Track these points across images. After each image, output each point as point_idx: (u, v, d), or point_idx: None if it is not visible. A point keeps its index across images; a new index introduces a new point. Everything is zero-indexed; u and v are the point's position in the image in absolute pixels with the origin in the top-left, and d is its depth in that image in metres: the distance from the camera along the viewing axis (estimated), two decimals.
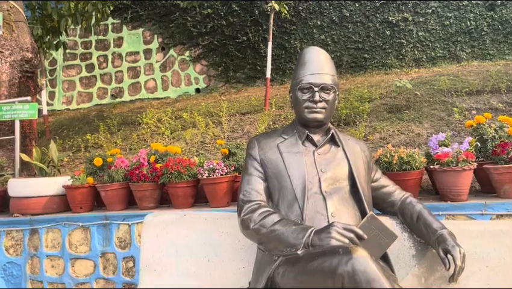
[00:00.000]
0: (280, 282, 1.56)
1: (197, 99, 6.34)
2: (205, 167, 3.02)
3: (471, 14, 5.55)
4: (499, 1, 5.42)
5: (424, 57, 5.73)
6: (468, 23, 5.55)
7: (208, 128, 4.84)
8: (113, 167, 3.26)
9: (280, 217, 1.65)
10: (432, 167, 2.65)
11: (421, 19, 5.74)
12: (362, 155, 1.91)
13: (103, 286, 3.12)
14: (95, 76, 7.47)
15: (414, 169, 2.64)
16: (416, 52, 5.76)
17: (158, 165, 3.19)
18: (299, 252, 1.53)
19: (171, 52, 7.09)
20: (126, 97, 7.23)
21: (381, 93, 4.91)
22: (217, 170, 2.98)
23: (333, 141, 1.87)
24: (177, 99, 6.72)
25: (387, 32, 5.84)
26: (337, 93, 1.87)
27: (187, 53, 6.98)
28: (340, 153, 1.85)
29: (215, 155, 4.23)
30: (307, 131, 1.85)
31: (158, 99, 7.01)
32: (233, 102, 5.62)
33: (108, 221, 3.13)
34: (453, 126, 3.98)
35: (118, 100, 7.25)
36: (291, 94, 1.94)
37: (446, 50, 5.67)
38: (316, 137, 1.86)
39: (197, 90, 6.94)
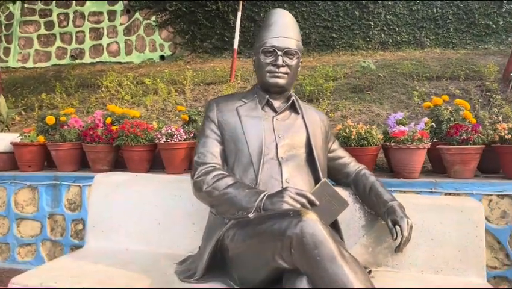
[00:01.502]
0: (229, 245, 1.54)
1: (161, 66, 6.16)
2: (163, 131, 2.94)
3: (438, 2, 5.64)
4: None
5: (390, 41, 5.80)
6: (435, 10, 5.64)
7: (171, 96, 4.72)
8: (66, 127, 3.13)
9: (234, 180, 1.63)
10: (388, 144, 2.69)
11: (390, 3, 5.78)
12: (321, 124, 1.90)
13: (50, 248, 3.03)
14: (54, 35, 7.10)
15: (371, 145, 2.67)
16: (383, 35, 5.81)
17: (113, 128, 3.09)
18: (250, 215, 1.51)
19: (137, 15, 6.83)
20: (87, 59, 6.94)
21: (346, 72, 4.94)
22: (175, 136, 2.92)
23: (293, 108, 1.85)
24: (141, 65, 6.51)
25: (356, 13, 5.85)
26: (300, 59, 1.84)
27: (153, 18, 6.75)
28: (299, 121, 1.84)
29: (176, 122, 4.14)
30: (267, 96, 1.82)
31: (120, 63, 6.76)
32: (198, 72, 5.50)
33: (58, 182, 3.02)
34: (412, 108, 4.07)
35: (78, 61, 6.94)
36: (254, 58, 1.89)
37: (411, 36, 5.75)
38: (276, 103, 1.83)
39: (162, 57, 6.75)
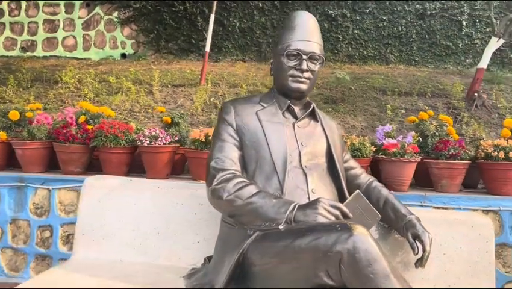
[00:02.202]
0: (256, 260, 1.42)
1: (123, 65, 5.87)
2: (147, 133, 2.76)
3: (403, 20, 5.84)
4: (429, 12, 5.76)
5: (357, 54, 5.92)
6: (400, 28, 5.84)
7: (138, 96, 4.49)
8: (34, 123, 2.85)
9: (258, 189, 1.52)
10: (380, 156, 2.69)
11: (358, 17, 5.91)
12: (337, 132, 1.84)
13: (11, 257, 2.73)
14: (3, 24, 6.56)
15: (364, 156, 2.66)
16: (350, 49, 5.93)
17: (89, 127, 2.85)
18: (281, 227, 1.41)
19: (98, 9, 6.48)
20: (39, 52, 6.47)
21: (318, 83, 4.96)
22: (159, 138, 2.74)
23: (312, 115, 1.78)
24: (100, 62, 6.16)
25: (325, 25, 5.92)
26: (323, 65, 1.77)
27: (115, 13, 6.43)
28: (318, 129, 1.76)
29: (146, 125, 3.93)
30: (289, 101, 1.73)
31: (77, 58, 6.37)
32: (165, 73, 5.29)
33: (24, 184, 2.73)
34: (385, 121, 4.14)
35: (29, 54, 6.45)
36: (272, 60, 1.80)
37: (377, 51, 5.91)
38: (296, 109, 1.74)
39: (123, 55, 6.44)
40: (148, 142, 2.72)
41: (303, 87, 1.70)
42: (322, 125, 1.78)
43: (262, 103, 1.74)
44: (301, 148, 1.65)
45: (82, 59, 6.35)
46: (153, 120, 4.06)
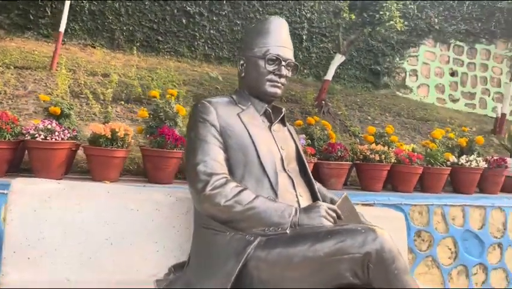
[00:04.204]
0: (263, 265, 1.40)
1: None
2: (41, 126, 2.33)
3: None
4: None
5: (213, 54, 6.05)
6: None
7: None
8: None
9: (254, 194, 1.50)
10: None
11: (214, 18, 6.03)
12: (297, 136, 1.93)
13: None
14: None
15: None
16: (206, 48, 6.01)
17: None
18: (288, 231, 1.43)
19: None
20: None
21: (184, 79, 4.90)
22: (57, 133, 2.35)
23: (281, 119, 1.82)
24: None
25: (183, 20, 5.86)
26: (296, 72, 1.84)
27: None
28: (286, 133, 1.83)
29: None
30: (266, 105, 1.74)
31: None
32: (2, 51, 4.44)
33: None
34: None
35: None
36: (241, 62, 1.77)
37: (231, 53, 6.15)
38: (271, 113, 1.77)
39: None
40: (43, 136, 2.30)
41: (279, 91, 1.74)
42: (289, 130, 1.85)
43: (240, 105, 1.71)
44: (282, 152, 1.69)
45: None
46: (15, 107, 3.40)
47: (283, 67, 1.71)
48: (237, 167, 1.59)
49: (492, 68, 7.81)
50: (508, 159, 3.73)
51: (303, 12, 6.47)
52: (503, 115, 6.02)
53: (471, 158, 3.49)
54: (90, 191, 1.68)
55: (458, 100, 7.49)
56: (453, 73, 7.54)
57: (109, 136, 2.45)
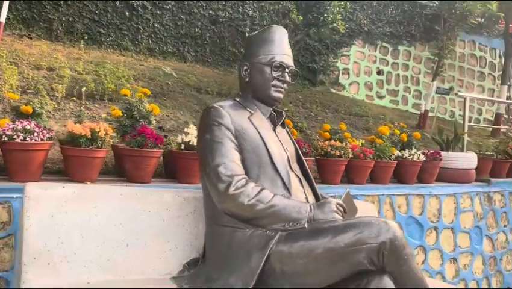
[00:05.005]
0: (286, 258, 1.54)
1: None
2: (19, 126, 2.24)
3: (199, 23, 6.23)
4: (220, 19, 6.36)
5: (157, 49, 5.96)
6: (196, 29, 6.21)
7: None
8: None
9: (272, 193, 1.63)
10: None
11: (158, 12, 5.94)
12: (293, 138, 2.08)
13: None
14: None
15: None
16: (150, 42, 5.90)
17: None
18: (307, 226, 1.58)
19: None
20: None
21: (133, 74, 4.81)
22: (36, 133, 2.27)
23: (282, 122, 1.95)
24: None
25: (127, 13, 5.70)
26: (295, 78, 1.98)
27: None
28: (286, 134, 1.97)
29: None
30: (271, 109, 1.86)
31: None
32: None
33: None
34: None
35: None
36: (245, 68, 1.88)
37: (176, 48, 6.10)
38: (275, 116, 1.89)
39: None
40: (22, 137, 2.21)
41: (282, 96, 1.89)
42: (287, 131, 1.99)
43: (248, 109, 1.82)
44: (287, 152, 1.83)
45: None
46: None
47: (286, 74, 1.85)
48: (252, 168, 1.70)
49: (412, 68, 8.56)
50: (441, 152, 4.20)
51: (246, 10, 6.60)
52: (426, 111, 6.68)
53: (413, 151, 3.89)
54: (104, 194, 1.69)
55: (384, 97, 8.12)
56: (379, 72, 8.15)
57: (89, 136, 2.41)
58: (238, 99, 1.89)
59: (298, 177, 1.80)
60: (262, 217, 1.59)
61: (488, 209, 4.50)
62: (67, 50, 5.09)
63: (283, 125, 1.98)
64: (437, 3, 7.52)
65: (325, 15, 5.03)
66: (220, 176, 1.59)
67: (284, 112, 1.96)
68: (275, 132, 1.86)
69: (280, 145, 1.82)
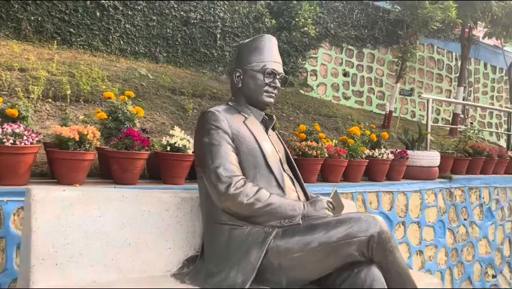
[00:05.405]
0: (283, 252, 1.66)
1: None
2: (8, 130, 2.25)
3: (171, 24, 6.25)
4: (192, 20, 6.40)
5: (129, 49, 5.93)
6: (168, 30, 6.22)
7: None
8: None
9: (269, 192, 1.75)
10: None
11: (129, 13, 5.92)
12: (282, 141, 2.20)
13: None
14: None
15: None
16: (122, 42, 5.87)
17: None
18: (301, 222, 1.71)
19: None
20: None
21: (107, 75, 4.79)
22: (25, 137, 2.29)
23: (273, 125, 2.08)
24: None
25: (97, 13, 5.64)
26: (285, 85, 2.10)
27: None
28: (277, 137, 2.09)
29: None
30: (263, 113, 1.98)
31: None
32: None
33: None
34: (188, 120, 4.53)
35: None
36: (238, 74, 1.98)
37: (148, 49, 6.10)
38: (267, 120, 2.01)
39: None
40: (12, 141, 2.22)
41: (273, 101, 2.01)
42: (277, 134, 2.11)
43: (243, 114, 1.92)
44: (279, 154, 1.95)
45: None
46: None
47: (277, 80, 1.97)
48: (249, 169, 1.81)
49: (376, 70, 8.90)
50: (408, 151, 4.45)
51: (217, 12, 6.67)
52: (391, 112, 6.99)
53: (383, 150, 4.11)
54: (107, 196, 1.75)
55: (349, 97, 8.41)
56: (345, 74, 8.43)
57: (78, 139, 2.44)
58: (231, 104, 1.99)
59: (290, 177, 1.93)
60: (260, 215, 1.71)
61: (450, 204, 4.81)
62: (37, 51, 5.00)
63: (273, 128, 2.10)
64: (399, 8, 7.86)
65: (296, 19, 5.18)
66: (220, 177, 1.69)
67: (274, 116, 2.09)
68: (267, 134, 1.98)
69: (273, 147, 1.94)
